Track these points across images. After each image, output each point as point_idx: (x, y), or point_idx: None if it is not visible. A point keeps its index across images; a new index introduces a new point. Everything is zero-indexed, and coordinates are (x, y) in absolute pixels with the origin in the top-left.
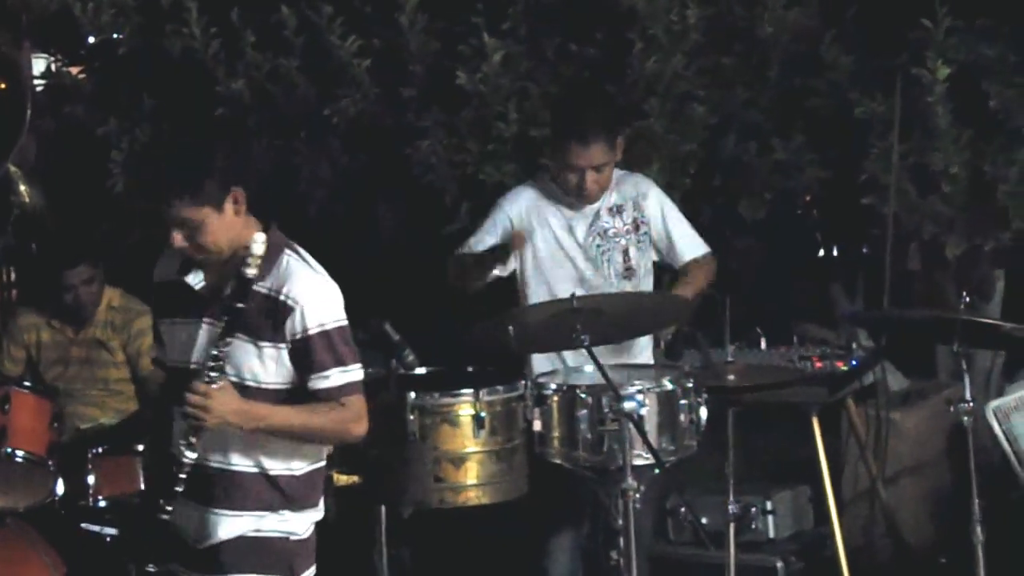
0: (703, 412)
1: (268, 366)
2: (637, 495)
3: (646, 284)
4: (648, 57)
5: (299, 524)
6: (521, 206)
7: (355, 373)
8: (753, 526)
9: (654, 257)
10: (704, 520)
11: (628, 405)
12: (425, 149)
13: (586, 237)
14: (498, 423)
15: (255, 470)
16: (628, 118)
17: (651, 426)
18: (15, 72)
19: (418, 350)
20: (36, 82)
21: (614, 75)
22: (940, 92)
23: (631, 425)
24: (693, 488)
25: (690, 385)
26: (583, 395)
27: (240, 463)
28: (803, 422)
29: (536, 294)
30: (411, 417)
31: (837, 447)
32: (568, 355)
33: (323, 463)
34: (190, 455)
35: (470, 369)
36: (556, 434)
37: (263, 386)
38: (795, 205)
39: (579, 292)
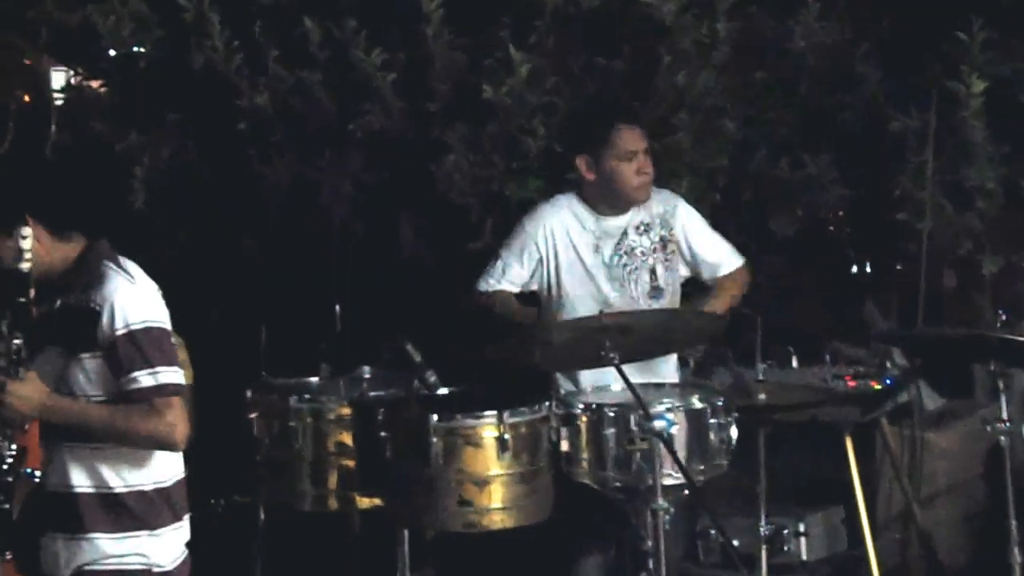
0: (733, 432)
1: (91, 377)
2: (667, 516)
3: (673, 302)
4: (676, 71)
5: (161, 552)
6: (546, 227)
7: (167, 375)
8: (785, 548)
9: (684, 274)
10: (735, 542)
11: (658, 424)
12: (449, 165)
13: (612, 256)
14: (522, 445)
15: (95, 489)
16: (656, 133)
17: (680, 446)
18: (39, 85)
19: (440, 370)
20: (56, 96)
21: (642, 89)
22: (975, 106)
23: (660, 444)
24: (724, 509)
25: (720, 404)
26: (611, 414)
27: (80, 483)
28: (836, 442)
29: (559, 315)
30: (433, 439)
31: (871, 468)
32: (593, 373)
33: (180, 476)
34: (9, 448)
35: (493, 390)
36: (584, 454)
37: (90, 398)
38: (827, 221)
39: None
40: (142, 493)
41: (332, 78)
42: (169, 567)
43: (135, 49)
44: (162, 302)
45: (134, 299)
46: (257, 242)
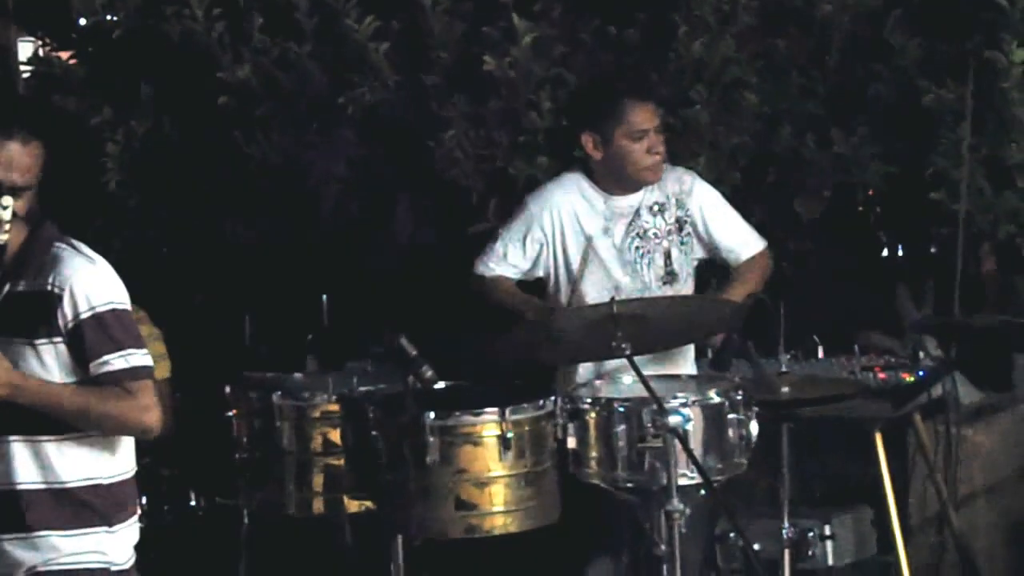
0: (754, 428)
1: (49, 366)
2: (683, 519)
3: (687, 288)
4: (694, 40)
5: (118, 550)
6: (551, 208)
7: (139, 358)
8: (810, 553)
9: (700, 256)
10: (756, 546)
11: (673, 420)
12: (449, 142)
13: (624, 239)
14: (526, 443)
15: (45, 485)
16: (672, 107)
17: (696, 443)
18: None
19: (437, 364)
20: (22, 68)
21: (656, 60)
22: (1016, 77)
23: (676, 441)
24: (744, 511)
25: (739, 398)
26: (622, 409)
27: (27, 479)
28: (865, 439)
29: (566, 302)
30: (430, 438)
31: (903, 467)
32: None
33: (134, 471)
34: None
35: (494, 384)
36: (593, 452)
37: None
38: (856, 202)
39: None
40: (99, 487)
41: (321, 49)
42: (125, 566)
43: (107, 18)
44: (122, 283)
45: (96, 281)
46: (240, 226)
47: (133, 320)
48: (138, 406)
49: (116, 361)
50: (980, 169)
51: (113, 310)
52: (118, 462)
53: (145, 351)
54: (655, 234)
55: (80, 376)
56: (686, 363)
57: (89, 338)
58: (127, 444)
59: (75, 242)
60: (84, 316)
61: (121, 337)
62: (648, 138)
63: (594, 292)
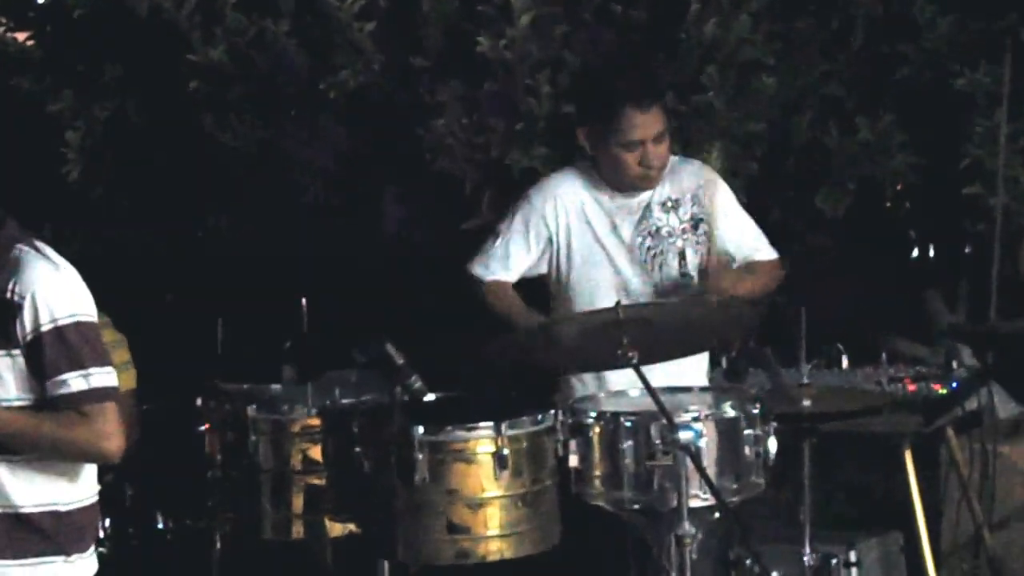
0: (772, 444)
1: (6, 380)
2: (694, 543)
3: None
4: (706, 19)
5: None
6: (555, 201)
7: (100, 378)
8: None
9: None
10: (775, 574)
11: (684, 435)
12: (440, 129)
13: (634, 236)
14: (524, 461)
15: (3, 510)
16: (683, 92)
17: (710, 461)
18: None
19: (427, 374)
20: None
21: (665, 41)
22: None
23: (687, 459)
24: (761, 535)
25: (756, 411)
26: (629, 424)
27: None
28: (893, 456)
29: (572, 304)
30: (419, 455)
31: (934, 486)
32: (606, 376)
33: (95, 498)
34: None
35: (490, 396)
36: (596, 471)
37: (1, 403)
38: (883, 196)
39: (624, 301)
40: (57, 514)
41: (301, 28)
42: None
43: None
44: (88, 292)
45: (60, 289)
46: (212, 221)
47: (98, 334)
48: (97, 432)
49: (76, 381)
50: (1018, 159)
51: (77, 323)
52: (79, 487)
53: (109, 369)
54: (668, 232)
55: (37, 393)
56: (698, 373)
57: (48, 353)
58: (89, 468)
59: (39, 244)
60: (45, 328)
61: (83, 354)
62: (642, 149)
63: (601, 294)
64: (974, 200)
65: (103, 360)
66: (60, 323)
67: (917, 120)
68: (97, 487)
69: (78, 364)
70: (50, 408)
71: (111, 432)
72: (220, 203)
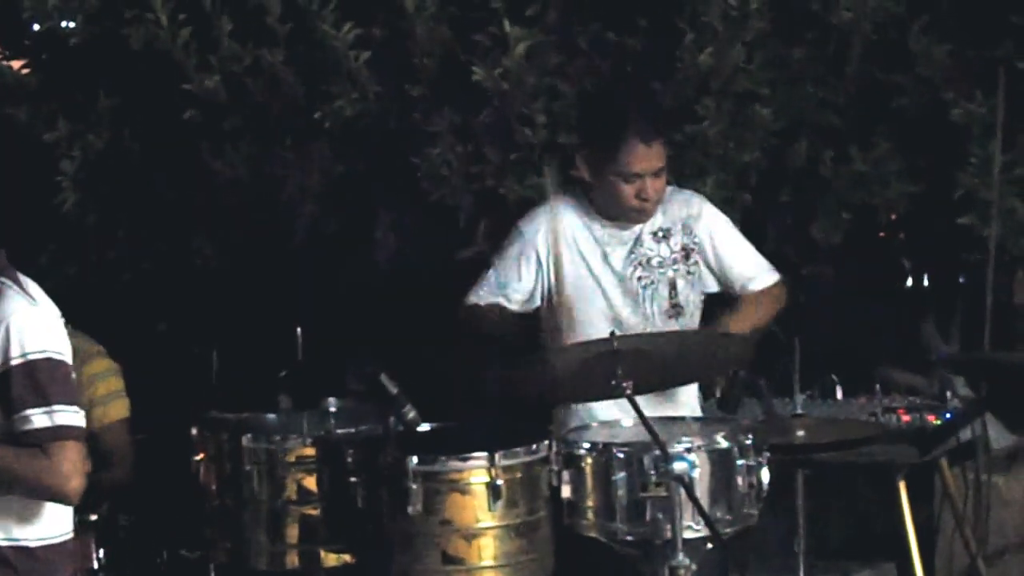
0: (765, 475)
1: None
2: (689, 575)
3: (693, 323)
4: (701, 49)
5: None
6: (546, 231)
7: (66, 416)
8: None
9: (710, 289)
10: None
11: (677, 466)
12: (435, 158)
13: (625, 266)
14: (518, 492)
15: None
16: (677, 121)
17: (703, 492)
18: None
19: (422, 401)
20: None
21: (661, 70)
22: None
23: (680, 490)
24: (756, 566)
25: (749, 442)
26: (622, 455)
27: None
28: (887, 487)
29: (562, 335)
30: (413, 485)
31: (928, 517)
32: (600, 407)
33: (69, 535)
34: None
35: (484, 427)
36: (589, 502)
37: None
38: (878, 225)
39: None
40: (24, 550)
41: (296, 57)
42: None
43: (63, 23)
44: (64, 331)
45: (34, 324)
46: (206, 249)
47: (68, 373)
48: (56, 472)
49: (39, 418)
50: (1013, 189)
51: (48, 359)
52: (44, 526)
53: (76, 408)
54: (659, 263)
55: (2, 427)
56: (690, 403)
57: (16, 387)
58: (56, 510)
59: (22, 277)
60: (14, 362)
61: (50, 391)
62: (641, 182)
63: (592, 324)
64: (968, 230)
65: (69, 398)
66: (30, 357)
67: (912, 149)
68: (70, 527)
69: (44, 401)
70: (12, 443)
71: (70, 472)
72: (215, 231)
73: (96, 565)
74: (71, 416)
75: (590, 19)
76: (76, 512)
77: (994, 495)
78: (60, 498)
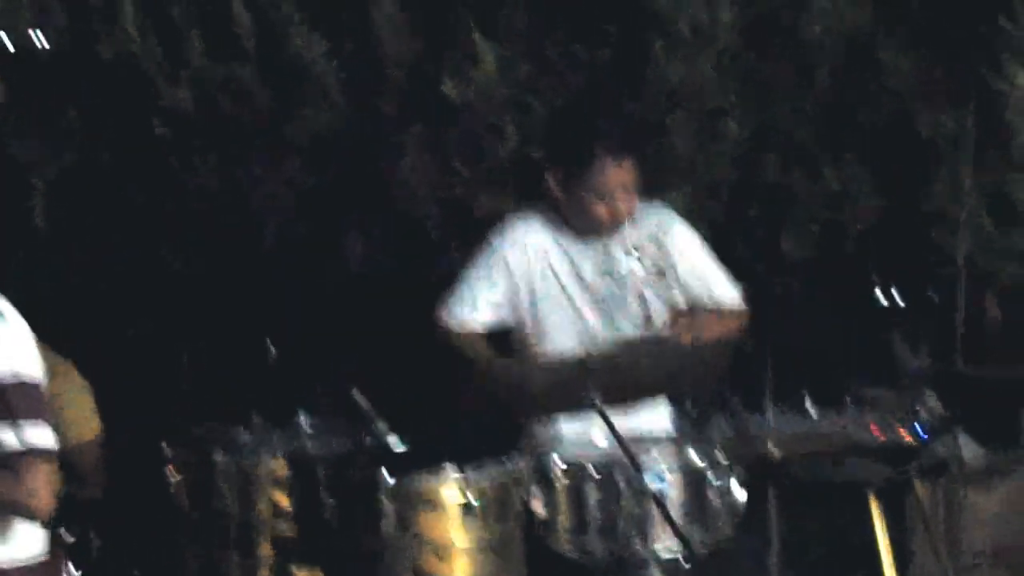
0: (740, 492)
1: None
2: None
3: None
4: (670, 61)
5: None
6: (517, 243)
7: (34, 436)
8: None
9: (679, 304)
10: None
11: (651, 483)
12: (404, 171)
13: (594, 279)
14: (491, 508)
15: None
16: (647, 136)
17: (676, 509)
18: None
19: (393, 419)
20: None
21: (630, 83)
22: (1021, 103)
23: (654, 507)
24: None
25: (722, 459)
26: (594, 471)
27: None
28: (860, 503)
29: (533, 348)
30: (386, 502)
31: (901, 533)
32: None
33: (41, 556)
34: None
35: (457, 443)
36: (562, 519)
37: None
38: (848, 239)
39: (587, 345)
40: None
41: (266, 71)
42: None
43: (33, 37)
44: (35, 348)
45: (5, 343)
46: (174, 261)
47: (40, 393)
48: (26, 490)
49: (7, 437)
50: (983, 205)
51: (18, 379)
52: (15, 546)
53: (46, 428)
54: (630, 277)
55: None
56: (660, 420)
57: None
58: (31, 530)
59: None
60: None
61: (20, 410)
62: (614, 202)
63: (563, 337)
64: (938, 245)
65: (40, 417)
66: (2, 379)
67: (881, 163)
68: (42, 548)
69: (12, 419)
70: None
71: (39, 490)
72: (185, 244)
73: None
74: (40, 436)
75: (559, 31)
76: (50, 531)
77: (967, 511)
78: (29, 515)
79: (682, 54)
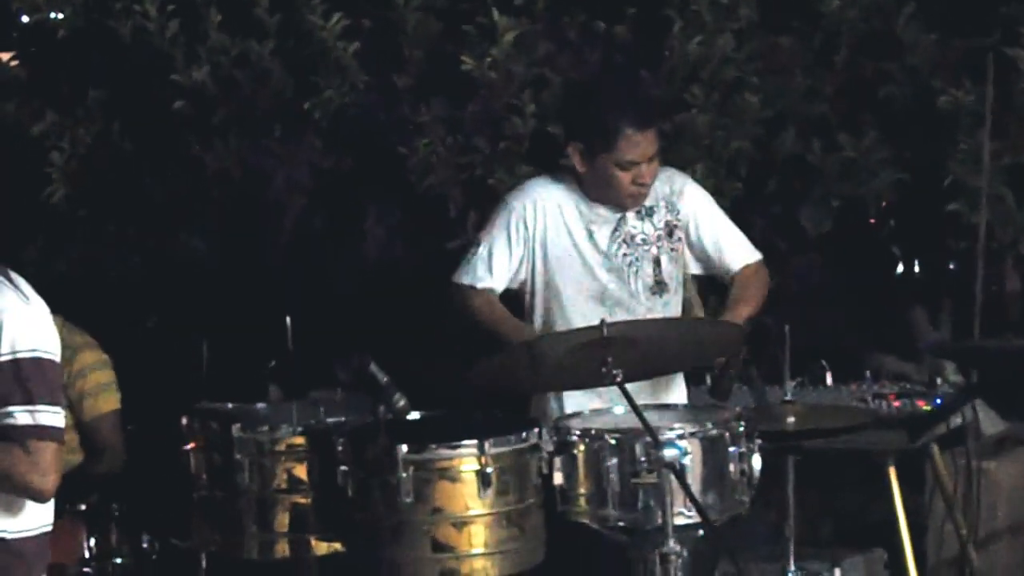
0: (757, 462)
1: None
2: (679, 561)
3: (676, 300)
4: (690, 38)
5: None
6: (534, 203)
7: (48, 416)
8: None
9: (693, 269)
10: None
11: (668, 453)
12: (424, 149)
13: (610, 244)
14: (508, 479)
15: None
16: (667, 110)
17: (695, 479)
18: None
19: (411, 392)
20: None
21: (649, 59)
22: None
23: (672, 477)
24: (746, 553)
25: (741, 429)
26: (613, 442)
27: None
28: (878, 473)
29: (549, 311)
30: (403, 474)
31: (919, 503)
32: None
33: (47, 527)
34: None
35: (474, 415)
36: (581, 489)
37: None
38: (867, 214)
39: (600, 309)
40: (3, 540)
41: (284, 48)
42: None
43: (52, 15)
44: (54, 329)
45: (26, 322)
46: (196, 242)
47: (57, 374)
48: (34, 468)
49: (22, 415)
50: (1001, 177)
51: (37, 359)
52: (24, 518)
53: (58, 409)
54: (643, 239)
55: None
56: (677, 391)
57: (2, 384)
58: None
59: (12, 275)
60: (3, 359)
61: (36, 389)
62: (636, 168)
63: (578, 299)
64: (957, 218)
65: (53, 398)
66: (19, 355)
67: (900, 137)
68: (50, 519)
69: (28, 398)
70: None
71: (47, 470)
72: (204, 223)
73: (87, 555)
74: (53, 416)
75: (578, 8)
76: (67, 502)
77: (984, 480)
78: (35, 495)
79: (701, 30)
